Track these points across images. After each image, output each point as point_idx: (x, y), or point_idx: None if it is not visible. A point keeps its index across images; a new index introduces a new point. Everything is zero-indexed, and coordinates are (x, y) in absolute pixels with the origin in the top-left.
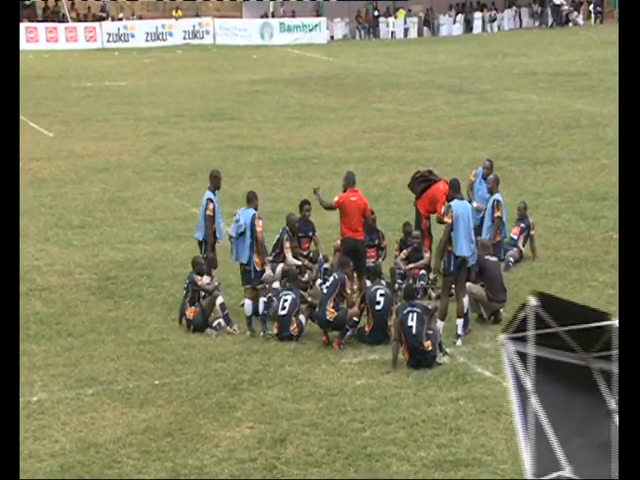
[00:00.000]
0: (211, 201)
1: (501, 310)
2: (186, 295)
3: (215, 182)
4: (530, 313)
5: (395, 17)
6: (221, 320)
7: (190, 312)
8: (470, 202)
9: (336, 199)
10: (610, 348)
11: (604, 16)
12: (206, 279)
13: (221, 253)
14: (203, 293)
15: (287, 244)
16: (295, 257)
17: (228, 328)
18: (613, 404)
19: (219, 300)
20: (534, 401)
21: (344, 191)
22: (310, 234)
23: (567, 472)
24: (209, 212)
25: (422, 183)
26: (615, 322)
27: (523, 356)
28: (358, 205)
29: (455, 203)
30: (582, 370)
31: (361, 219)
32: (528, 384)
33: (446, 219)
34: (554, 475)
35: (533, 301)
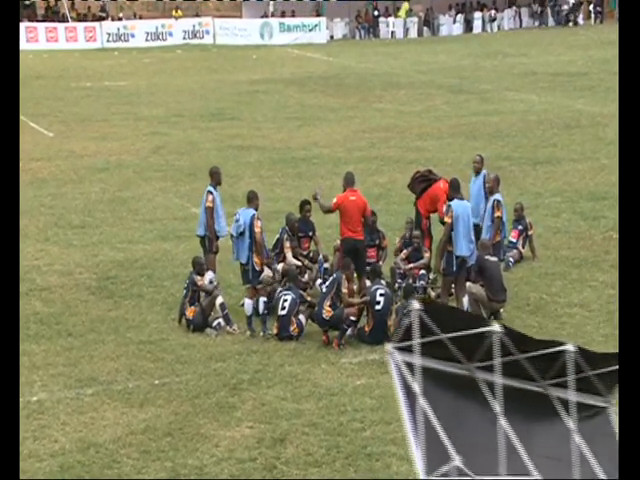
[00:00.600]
0: (210, 193)
1: (501, 310)
2: (186, 295)
3: (216, 178)
4: (415, 319)
5: (397, 14)
6: (221, 320)
7: (190, 312)
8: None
9: (334, 200)
10: (492, 357)
11: (604, 16)
12: (208, 276)
13: (221, 253)
14: (203, 293)
15: (287, 244)
16: (295, 257)
17: (228, 328)
18: (497, 408)
19: (219, 300)
20: (422, 402)
21: (344, 191)
22: (310, 234)
23: (457, 462)
24: (208, 204)
25: (422, 183)
26: (497, 328)
27: (410, 365)
28: (357, 205)
29: (455, 203)
30: (467, 379)
31: (360, 219)
32: (416, 387)
33: (446, 219)
34: (445, 468)
35: (416, 305)
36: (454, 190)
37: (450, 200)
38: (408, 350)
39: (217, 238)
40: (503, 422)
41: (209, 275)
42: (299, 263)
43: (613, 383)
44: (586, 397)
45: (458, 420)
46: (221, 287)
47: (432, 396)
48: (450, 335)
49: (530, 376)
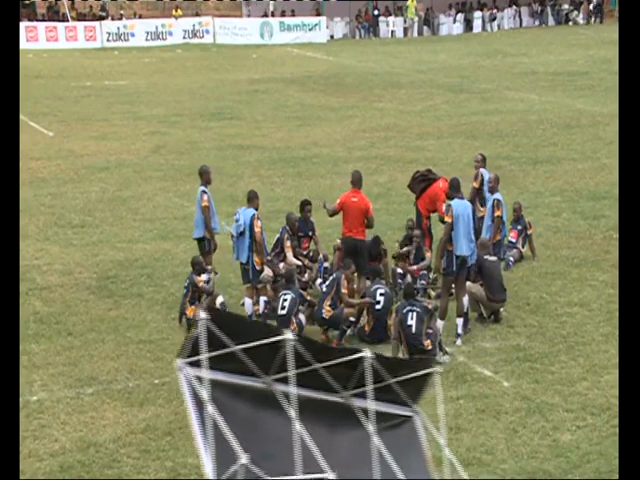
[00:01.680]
0: (205, 192)
1: (501, 310)
2: (186, 295)
3: (206, 177)
4: (202, 330)
5: (406, 14)
6: None
7: (190, 311)
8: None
9: (337, 201)
10: (287, 369)
11: (604, 15)
12: (204, 277)
13: (220, 253)
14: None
15: (288, 243)
16: (295, 257)
17: None
18: (293, 413)
19: (219, 299)
20: (211, 408)
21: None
22: (310, 234)
23: (244, 459)
24: (204, 203)
25: (422, 182)
26: (290, 336)
27: (200, 378)
28: (359, 206)
29: (455, 202)
30: (264, 391)
31: (362, 220)
32: (204, 395)
33: (446, 218)
34: (233, 468)
35: (202, 314)
36: (454, 189)
37: (450, 199)
38: (197, 365)
39: (213, 236)
40: (298, 427)
41: (204, 276)
42: (300, 263)
43: (419, 391)
44: (390, 406)
45: (253, 427)
46: (217, 283)
47: (224, 404)
48: (243, 347)
49: (331, 387)
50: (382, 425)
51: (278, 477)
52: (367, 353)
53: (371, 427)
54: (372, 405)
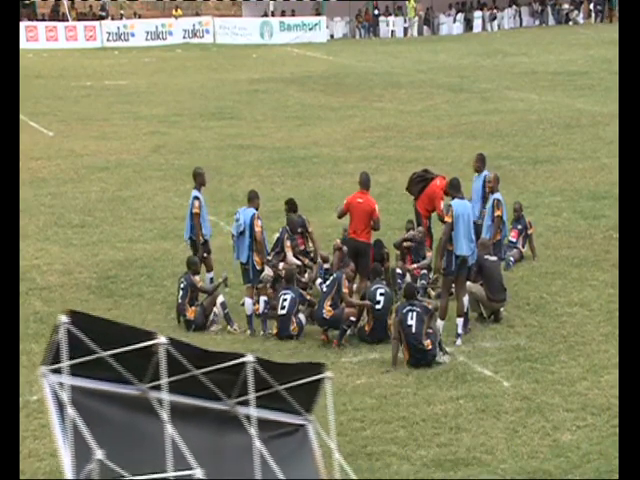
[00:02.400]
0: (197, 199)
1: (501, 309)
2: (184, 296)
3: (200, 179)
4: (62, 335)
5: (406, 15)
6: (215, 312)
7: (190, 312)
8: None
9: (344, 202)
10: (160, 377)
11: (604, 15)
12: (208, 276)
13: (220, 253)
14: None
15: (288, 243)
16: (296, 257)
17: (229, 327)
18: (165, 416)
19: (220, 299)
20: (71, 411)
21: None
22: (300, 231)
23: (99, 455)
24: (195, 210)
25: (419, 183)
26: (163, 340)
27: (62, 385)
28: (364, 207)
29: (456, 202)
30: (138, 398)
31: (367, 221)
32: (64, 397)
33: (446, 218)
34: (90, 466)
35: (64, 318)
36: (455, 189)
37: (446, 196)
38: (59, 372)
39: (206, 241)
40: (170, 429)
41: (210, 275)
42: (299, 262)
43: (311, 397)
44: (280, 415)
45: (123, 431)
46: (229, 283)
47: (87, 408)
48: (110, 353)
49: (215, 395)
50: (270, 433)
51: (144, 474)
52: (249, 358)
53: (254, 433)
54: (255, 413)
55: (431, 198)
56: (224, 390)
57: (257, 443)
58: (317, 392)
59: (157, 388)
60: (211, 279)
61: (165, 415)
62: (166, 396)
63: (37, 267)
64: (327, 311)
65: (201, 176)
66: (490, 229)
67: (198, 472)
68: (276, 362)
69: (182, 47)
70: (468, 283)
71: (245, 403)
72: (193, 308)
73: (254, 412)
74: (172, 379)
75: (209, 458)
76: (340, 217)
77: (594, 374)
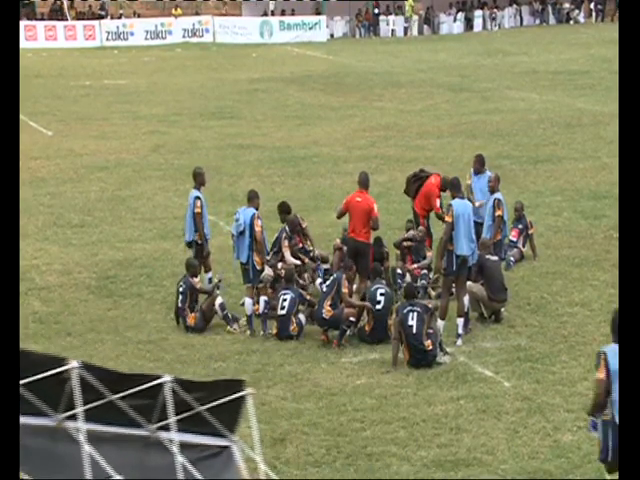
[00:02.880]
0: (198, 199)
1: (502, 310)
2: (184, 300)
3: (200, 179)
4: None
5: (406, 14)
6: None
7: (191, 319)
8: (471, 202)
9: (344, 202)
10: (75, 405)
11: (605, 14)
12: (207, 276)
13: (220, 253)
14: (202, 296)
15: (285, 242)
16: (295, 256)
17: (228, 327)
18: (82, 438)
19: (218, 300)
20: None
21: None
22: (297, 229)
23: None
24: (197, 209)
25: (415, 183)
26: (75, 364)
27: None
28: (362, 207)
29: (456, 202)
30: (55, 429)
31: (365, 221)
32: None
33: (447, 218)
34: None
35: None
36: (455, 189)
37: (443, 192)
38: None
39: (206, 241)
40: (88, 448)
41: (208, 275)
42: (298, 262)
43: (234, 417)
44: (203, 438)
45: (40, 459)
46: (222, 285)
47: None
48: (23, 382)
49: (135, 421)
50: (195, 456)
51: None
52: (166, 378)
53: (178, 454)
54: (177, 437)
55: (427, 196)
56: (144, 415)
57: (180, 458)
58: (239, 411)
59: (74, 417)
60: (209, 279)
61: (82, 437)
62: (83, 425)
63: (36, 267)
64: (327, 311)
65: (201, 176)
66: (491, 229)
67: (118, 477)
68: (195, 381)
69: (182, 46)
70: (469, 283)
71: (167, 427)
72: (193, 314)
73: (176, 436)
74: (88, 407)
75: (131, 472)
76: (339, 217)
77: (595, 374)
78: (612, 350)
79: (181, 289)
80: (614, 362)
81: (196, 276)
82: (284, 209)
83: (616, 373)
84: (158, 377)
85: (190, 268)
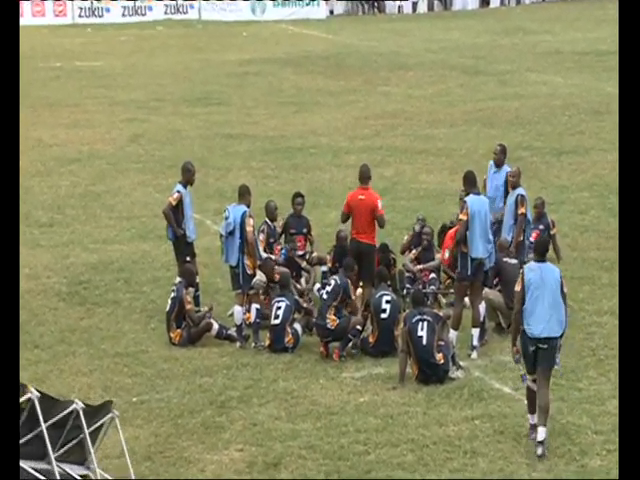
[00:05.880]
0: (178, 191)
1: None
2: (172, 309)
3: (187, 176)
4: None
5: None
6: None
7: (175, 335)
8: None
9: (345, 202)
10: None
11: None
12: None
13: (206, 255)
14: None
15: (261, 237)
16: (291, 259)
17: (238, 344)
18: None
19: (214, 331)
20: None
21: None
22: (305, 231)
23: None
24: (172, 200)
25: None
26: (35, 393)
27: None
28: (366, 205)
29: (471, 198)
30: None
31: (370, 220)
32: None
33: (461, 216)
34: None
35: None
36: (470, 184)
37: (465, 195)
38: None
39: (188, 243)
40: None
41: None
42: (270, 256)
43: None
44: (74, 468)
45: None
46: (212, 314)
47: None
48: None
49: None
50: None
51: None
52: (79, 404)
53: None
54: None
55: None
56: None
57: None
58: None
59: None
60: (196, 284)
61: None
62: None
63: None
64: (331, 321)
65: (190, 173)
66: (512, 229)
67: None
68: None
69: (163, 24)
70: (485, 289)
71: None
72: (179, 331)
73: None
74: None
75: None
76: (344, 221)
77: None
78: (529, 267)
79: (172, 294)
80: (529, 276)
81: (192, 286)
82: (269, 213)
83: (529, 284)
84: (71, 403)
85: (185, 274)
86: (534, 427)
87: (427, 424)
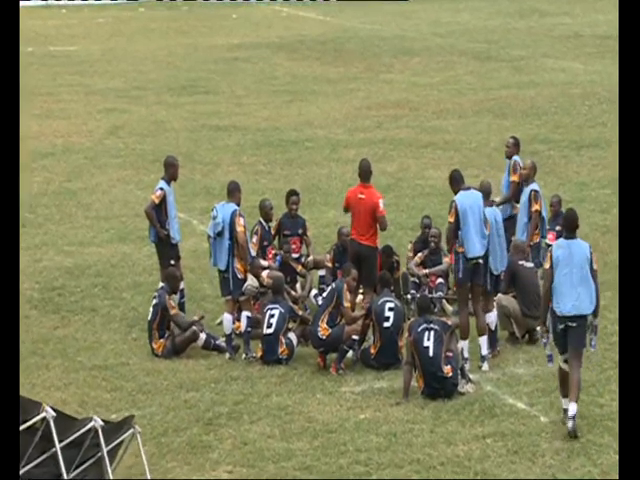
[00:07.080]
0: (161, 189)
1: (537, 328)
2: (153, 317)
3: (171, 171)
4: None
5: None
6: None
7: (158, 346)
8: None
9: (344, 200)
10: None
11: None
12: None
13: (192, 258)
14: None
15: (254, 239)
16: (285, 262)
17: (228, 355)
18: None
19: (201, 342)
20: None
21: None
22: (300, 232)
23: None
24: (154, 198)
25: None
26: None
27: None
28: (366, 204)
29: (459, 196)
30: None
31: (371, 221)
32: None
33: (449, 218)
34: None
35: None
36: (456, 183)
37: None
38: None
39: (172, 245)
40: None
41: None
42: (265, 263)
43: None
44: None
45: None
46: (204, 322)
47: None
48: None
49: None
50: None
51: None
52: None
53: None
54: None
55: None
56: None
57: None
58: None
59: None
60: (181, 290)
61: None
62: None
63: None
64: (323, 329)
65: (174, 167)
66: (526, 229)
67: None
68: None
69: (145, 5)
70: (499, 295)
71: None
72: (162, 341)
73: None
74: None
75: None
76: (346, 211)
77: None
78: (557, 244)
79: (154, 301)
80: (557, 253)
81: (175, 292)
82: (265, 214)
83: (557, 262)
84: (90, 420)
85: (169, 279)
86: (566, 411)
87: (434, 443)
